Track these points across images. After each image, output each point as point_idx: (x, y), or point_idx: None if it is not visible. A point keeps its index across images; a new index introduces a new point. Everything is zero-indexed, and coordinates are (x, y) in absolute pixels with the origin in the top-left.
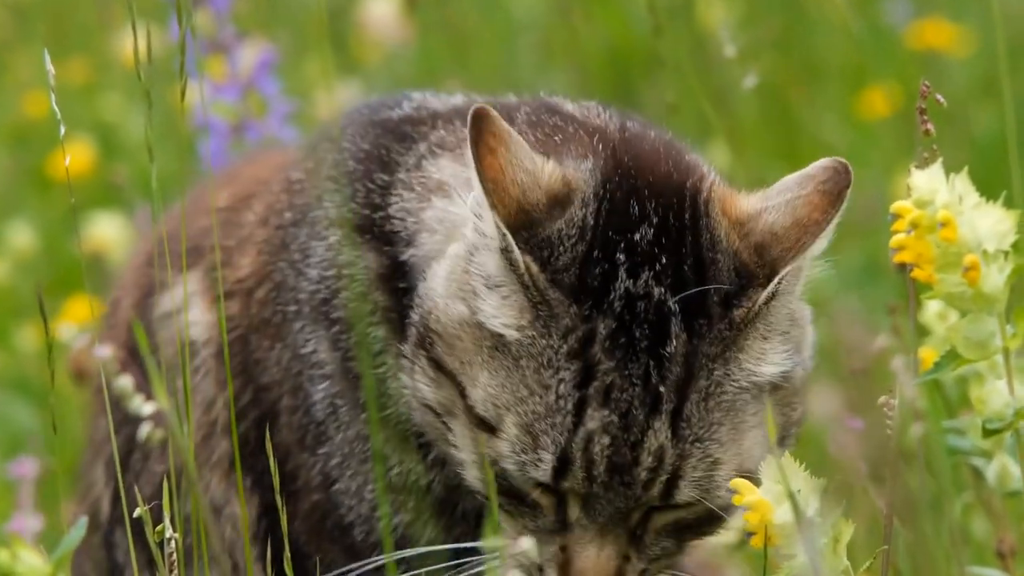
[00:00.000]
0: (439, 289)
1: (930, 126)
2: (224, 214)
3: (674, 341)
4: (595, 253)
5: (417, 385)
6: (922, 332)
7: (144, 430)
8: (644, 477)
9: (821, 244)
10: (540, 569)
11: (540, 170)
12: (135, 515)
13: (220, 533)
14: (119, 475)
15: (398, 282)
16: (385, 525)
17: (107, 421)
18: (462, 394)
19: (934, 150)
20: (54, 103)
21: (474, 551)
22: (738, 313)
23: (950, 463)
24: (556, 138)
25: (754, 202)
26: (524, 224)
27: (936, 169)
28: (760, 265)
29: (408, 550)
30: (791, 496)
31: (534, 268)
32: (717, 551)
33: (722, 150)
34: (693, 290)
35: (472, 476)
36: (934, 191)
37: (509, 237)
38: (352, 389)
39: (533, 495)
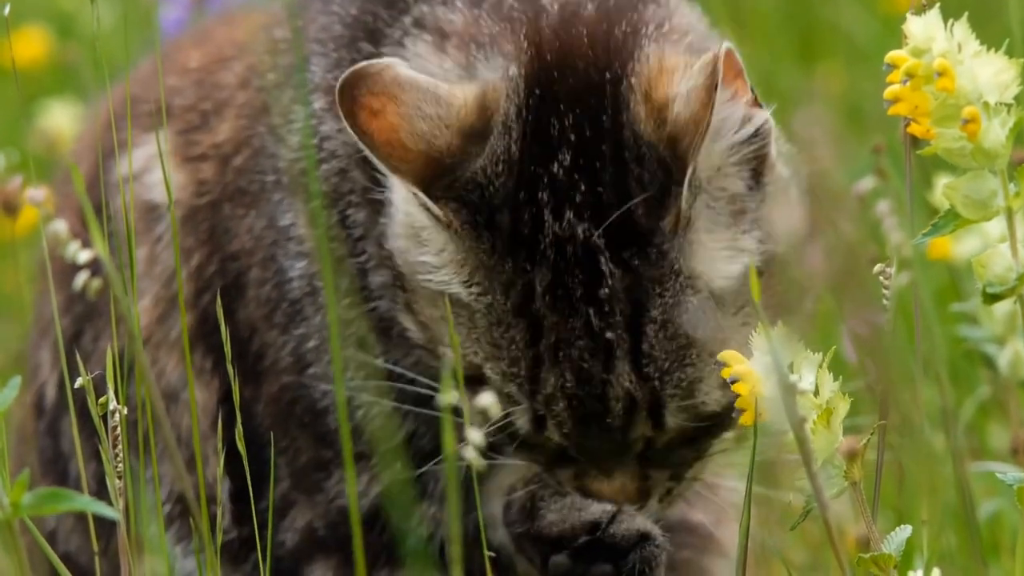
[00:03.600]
0: (397, 227)
1: None
2: (196, 75)
3: (608, 280)
4: (521, 194)
5: (404, 322)
6: (930, 212)
7: (80, 279)
8: (620, 422)
9: (729, 138)
10: (560, 483)
11: (448, 108)
12: (76, 386)
13: (176, 421)
14: (61, 352)
15: None
16: (342, 413)
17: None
18: (434, 351)
19: None
20: None
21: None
22: (667, 221)
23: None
24: (498, 27)
25: (675, 83)
26: (438, 173)
27: (934, 15)
28: (675, 159)
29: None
30: (778, 365)
31: (456, 221)
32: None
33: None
34: (614, 215)
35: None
36: (931, 39)
37: (422, 196)
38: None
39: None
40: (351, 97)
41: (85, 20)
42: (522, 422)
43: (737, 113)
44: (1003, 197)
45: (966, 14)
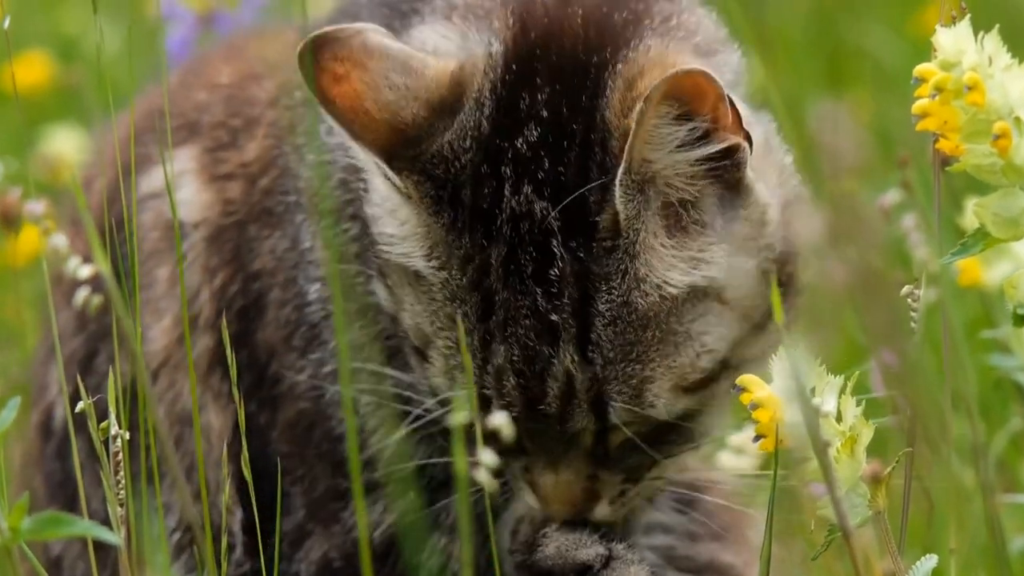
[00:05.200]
0: (372, 195)
1: None
2: (226, 90)
3: (559, 263)
4: (484, 167)
5: (379, 293)
6: (959, 236)
7: (80, 295)
8: (557, 407)
9: (678, 151)
10: (516, 478)
11: (418, 79)
12: (77, 410)
13: (191, 446)
14: (61, 375)
15: None
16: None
17: (66, 315)
18: (398, 318)
19: (963, 8)
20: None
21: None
22: (605, 218)
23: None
24: (484, 8)
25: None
26: (404, 144)
27: (964, 27)
28: (619, 154)
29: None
30: (801, 390)
31: (416, 194)
32: (737, 492)
33: (753, 66)
34: (569, 198)
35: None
36: (961, 52)
37: (384, 166)
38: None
39: None
40: (314, 60)
41: (87, 44)
42: (468, 407)
43: (683, 130)
44: None
45: (997, 26)
